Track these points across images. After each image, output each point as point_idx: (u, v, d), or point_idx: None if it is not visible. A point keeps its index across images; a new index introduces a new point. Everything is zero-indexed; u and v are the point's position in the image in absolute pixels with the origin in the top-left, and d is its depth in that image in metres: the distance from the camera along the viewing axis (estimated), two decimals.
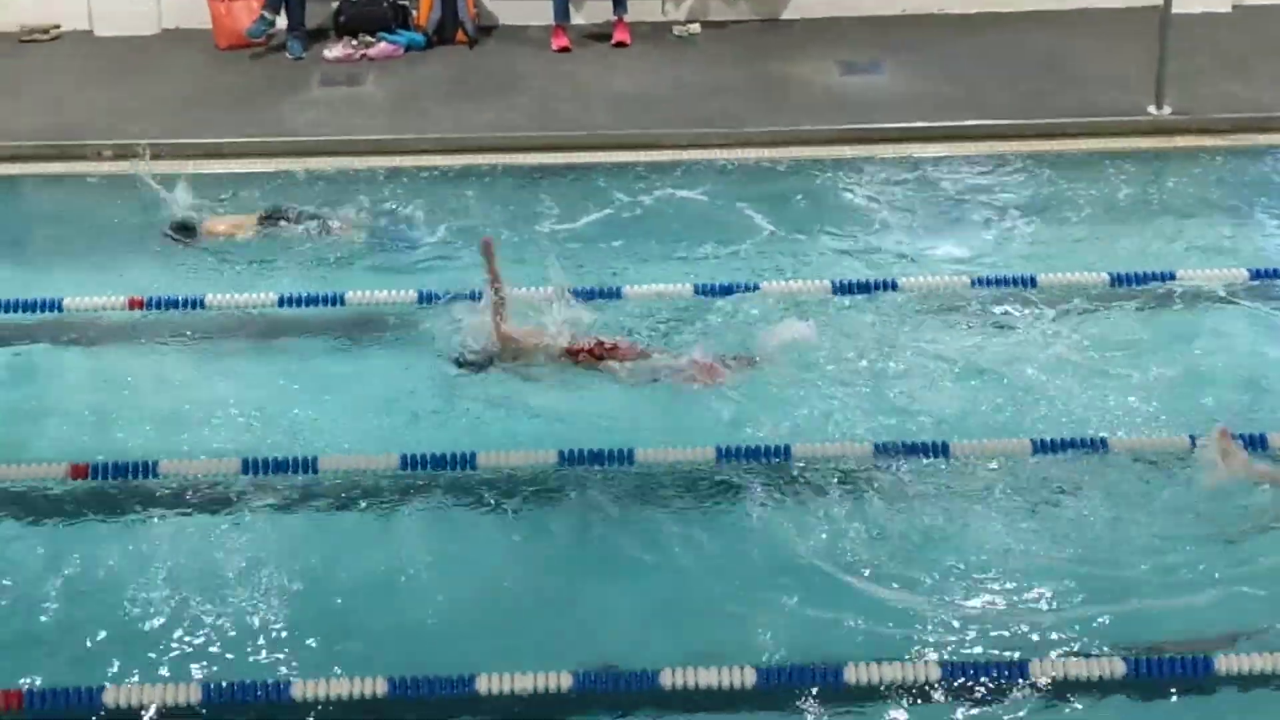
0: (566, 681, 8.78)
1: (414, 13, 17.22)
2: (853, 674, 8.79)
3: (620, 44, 17.10)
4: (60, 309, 12.25)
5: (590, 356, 11.34)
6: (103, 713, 8.70)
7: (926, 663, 8.89)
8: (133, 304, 12.29)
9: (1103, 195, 14.13)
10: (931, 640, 9.09)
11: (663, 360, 11.38)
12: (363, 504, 10.24)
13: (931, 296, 12.40)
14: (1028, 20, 17.58)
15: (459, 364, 11.42)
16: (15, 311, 12.27)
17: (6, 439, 10.87)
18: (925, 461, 10.51)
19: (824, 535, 9.91)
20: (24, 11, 17.40)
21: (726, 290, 12.41)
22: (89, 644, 9.19)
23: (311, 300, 12.30)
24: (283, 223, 13.29)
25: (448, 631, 9.31)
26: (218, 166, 14.80)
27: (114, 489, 10.36)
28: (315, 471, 10.44)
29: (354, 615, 9.40)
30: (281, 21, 17.02)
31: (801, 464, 10.49)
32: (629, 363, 11.34)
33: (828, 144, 15.10)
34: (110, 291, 12.43)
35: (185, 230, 13.28)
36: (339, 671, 8.85)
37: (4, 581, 9.64)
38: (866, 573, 9.57)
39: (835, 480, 10.36)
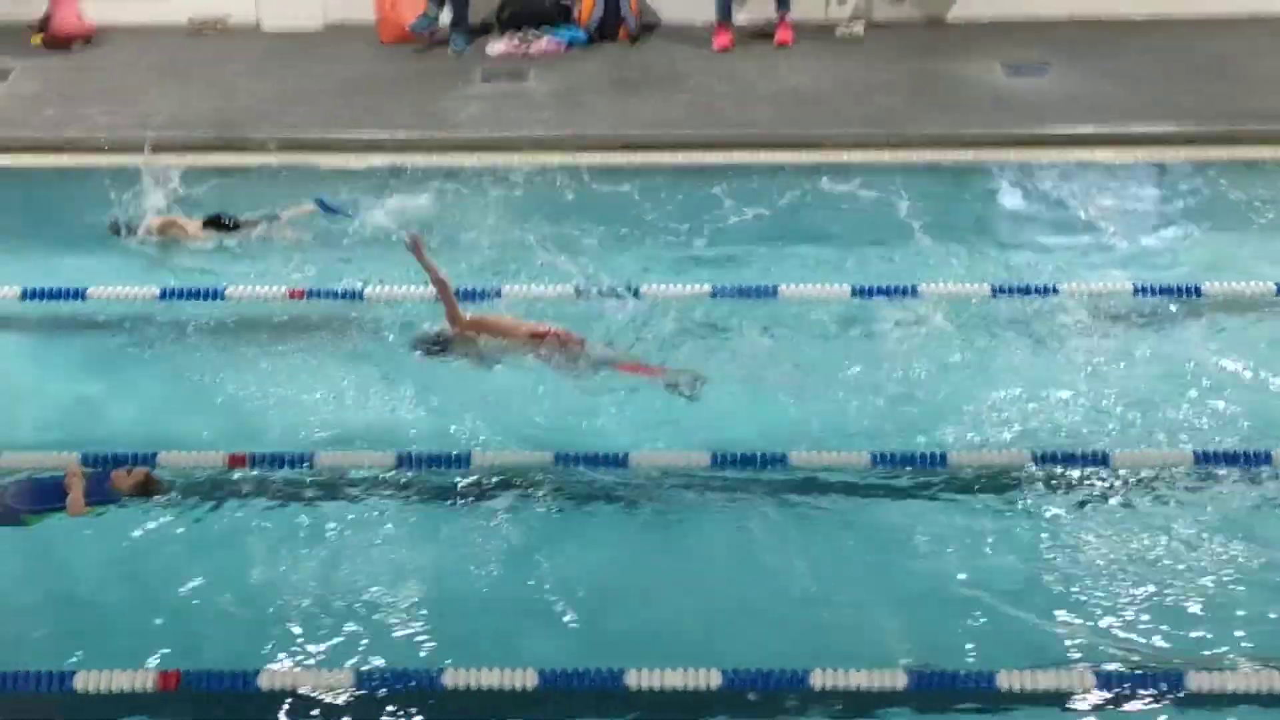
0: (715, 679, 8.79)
1: (577, 9, 17.25)
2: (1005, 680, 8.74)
3: (783, 43, 17.02)
4: (222, 297, 12.39)
5: (556, 340, 11.27)
6: (256, 694, 8.83)
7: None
8: (292, 294, 12.38)
9: (1275, 201, 13.85)
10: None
11: (611, 354, 11.36)
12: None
13: (1092, 302, 12.22)
14: (1197, 25, 17.28)
15: (421, 351, 11.47)
16: (177, 299, 12.47)
17: (168, 428, 11.00)
18: (1084, 471, 10.38)
19: (973, 542, 9.86)
20: (194, 5, 17.62)
21: (884, 292, 12.31)
22: (241, 629, 9.34)
23: None
24: (232, 229, 13.38)
25: (597, 626, 9.37)
26: (378, 160, 14.90)
27: (271, 480, 10.50)
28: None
29: (504, 607, 9.47)
30: (445, 16, 17.10)
31: (960, 470, 10.40)
32: (586, 353, 11.30)
33: (991, 147, 14.93)
34: (272, 282, 12.60)
35: (119, 228, 13.39)
36: (488, 661, 8.91)
37: (159, 567, 9.81)
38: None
39: (991, 489, 10.27)
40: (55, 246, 13.36)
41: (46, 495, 9.85)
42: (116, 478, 9.88)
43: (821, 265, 12.94)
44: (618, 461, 10.49)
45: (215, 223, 13.35)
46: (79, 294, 12.39)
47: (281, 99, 15.91)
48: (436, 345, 11.35)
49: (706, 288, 12.37)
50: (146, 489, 9.92)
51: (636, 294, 12.24)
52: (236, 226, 13.31)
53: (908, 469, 10.47)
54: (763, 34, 17.23)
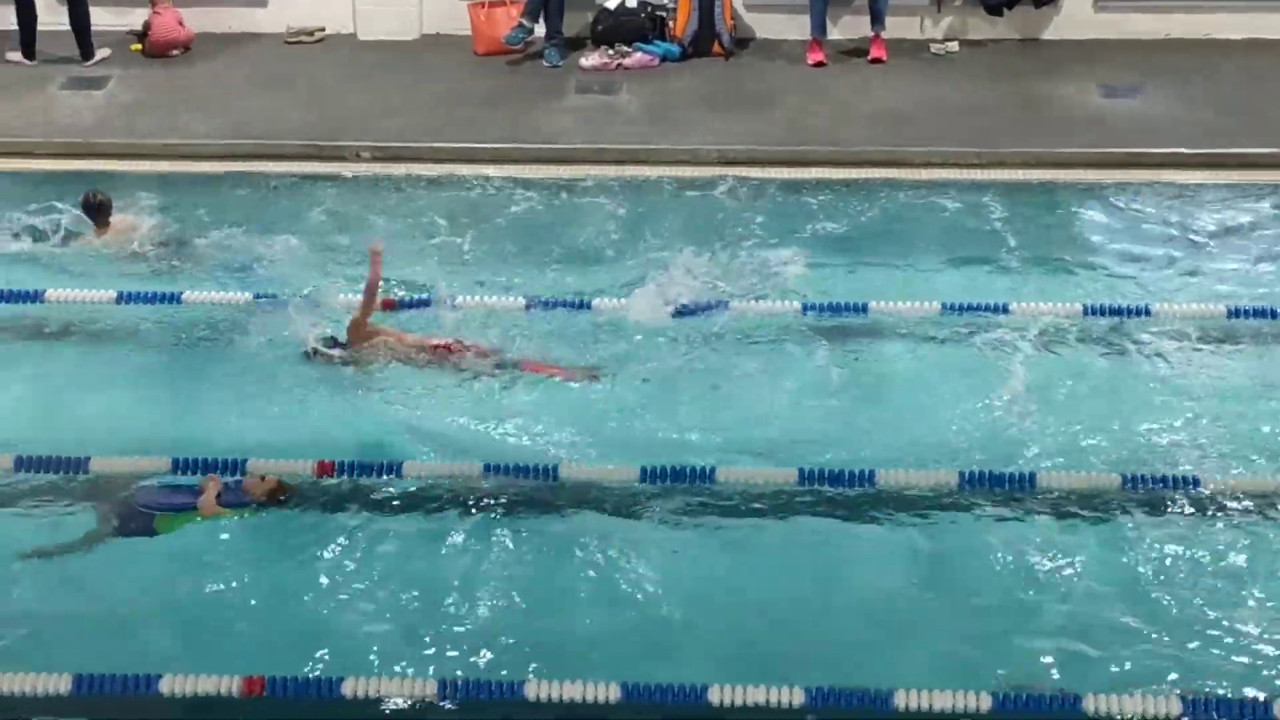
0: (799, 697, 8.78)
1: (671, 23, 17.26)
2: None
3: (877, 60, 16.97)
4: (317, 305, 12.43)
5: (447, 352, 11.64)
6: (341, 702, 8.86)
7: None
8: (386, 305, 12.41)
9: None
10: None
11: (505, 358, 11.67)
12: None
13: (1184, 324, 12.12)
14: None
15: (312, 351, 11.69)
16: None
17: (264, 438, 11.07)
18: (1176, 494, 10.30)
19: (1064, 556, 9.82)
20: (291, 14, 17.74)
21: (974, 309, 12.25)
22: (330, 636, 9.36)
23: None
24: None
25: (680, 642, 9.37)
26: (468, 170, 14.95)
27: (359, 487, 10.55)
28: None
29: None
30: (539, 29, 17.15)
31: (1051, 493, 10.34)
32: (481, 359, 11.63)
33: (1085, 167, 14.85)
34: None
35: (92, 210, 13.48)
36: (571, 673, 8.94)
37: (250, 577, 9.83)
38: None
39: (1082, 510, 10.21)
40: (152, 251, 13.47)
41: (180, 497, 10.05)
42: (250, 484, 10.11)
43: (912, 282, 12.89)
44: (704, 476, 10.47)
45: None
46: (174, 298, 12.54)
47: (375, 109, 15.99)
48: (332, 346, 11.65)
49: (796, 304, 12.36)
50: (278, 496, 10.07)
51: (726, 306, 12.28)
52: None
53: (996, 489, 10.39)
54: (857, 51, 17.18)
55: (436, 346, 11.70)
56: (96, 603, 9.61)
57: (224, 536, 10.06)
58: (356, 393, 11.48)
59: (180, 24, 17.22)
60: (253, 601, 9.61)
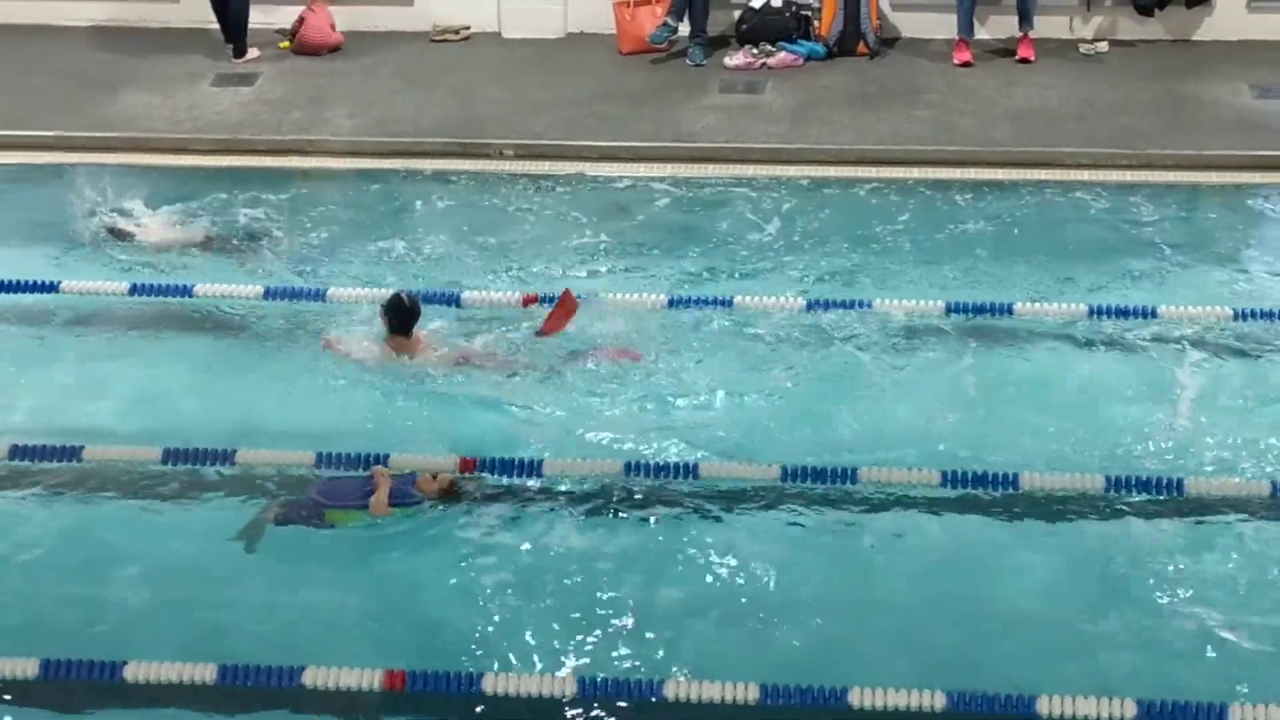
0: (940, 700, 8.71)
1: (816, 23, 17.18)
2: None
3: (1024, 60, 16.79)
4: (459, 304, 12.50)
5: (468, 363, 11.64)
6: (479, 696, 8.88)
7: None
8: (527, 300, 12.45)
9: None
10: None
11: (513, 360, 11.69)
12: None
13: None
14: None
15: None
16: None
17: (393, 434, 11.12)
18: None
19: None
20: (437, 13, 17.85)
21: (1122, 313, 12.10)
22: (467, 630, 9.39)
23: None
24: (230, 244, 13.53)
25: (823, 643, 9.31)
26: (611, 169, 14.97)
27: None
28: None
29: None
30: (684, 28, 17.14)
31: (1202, 497, 10.22)
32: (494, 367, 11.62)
33: (1236, 169, 14.61)
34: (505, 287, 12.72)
35: (118, 234, 13.54)
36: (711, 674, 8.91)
37: (380, 575, 9.90)
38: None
39: (1228, 516, 10.07)
40: (299, 243, 13.65)
41: (352, 493, 10.09)
42: (422, 481, 10.14)
43: (1058, 284, 12.75)
44: (847, 476, 10.42)
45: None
46: (319, 294, 12.61)
47: (520, 107, 16.04)
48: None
49: (940, 304, 12.27)
50: (451, 493, 10.11)
51: (869, 305, 12.24)
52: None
53: (1142, 494, 10.27)
54: (1004, 51, 17.02)
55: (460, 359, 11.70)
56: (242, 592, 9.72)
57: (366, 533, 10.13)
58: (484, 391, 11.51)
59: (332, 27, 17.35)
60: (393, 595, 9.66)
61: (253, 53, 17.12)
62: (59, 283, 12.70)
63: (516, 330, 12.02)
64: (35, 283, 12.65)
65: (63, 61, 17.12)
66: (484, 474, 10.50)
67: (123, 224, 13.62)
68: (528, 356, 11.69)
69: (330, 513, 10.04)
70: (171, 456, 10.67)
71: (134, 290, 12.64)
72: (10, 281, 12.65)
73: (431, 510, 10.11)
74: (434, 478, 10.17)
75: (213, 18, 17.25)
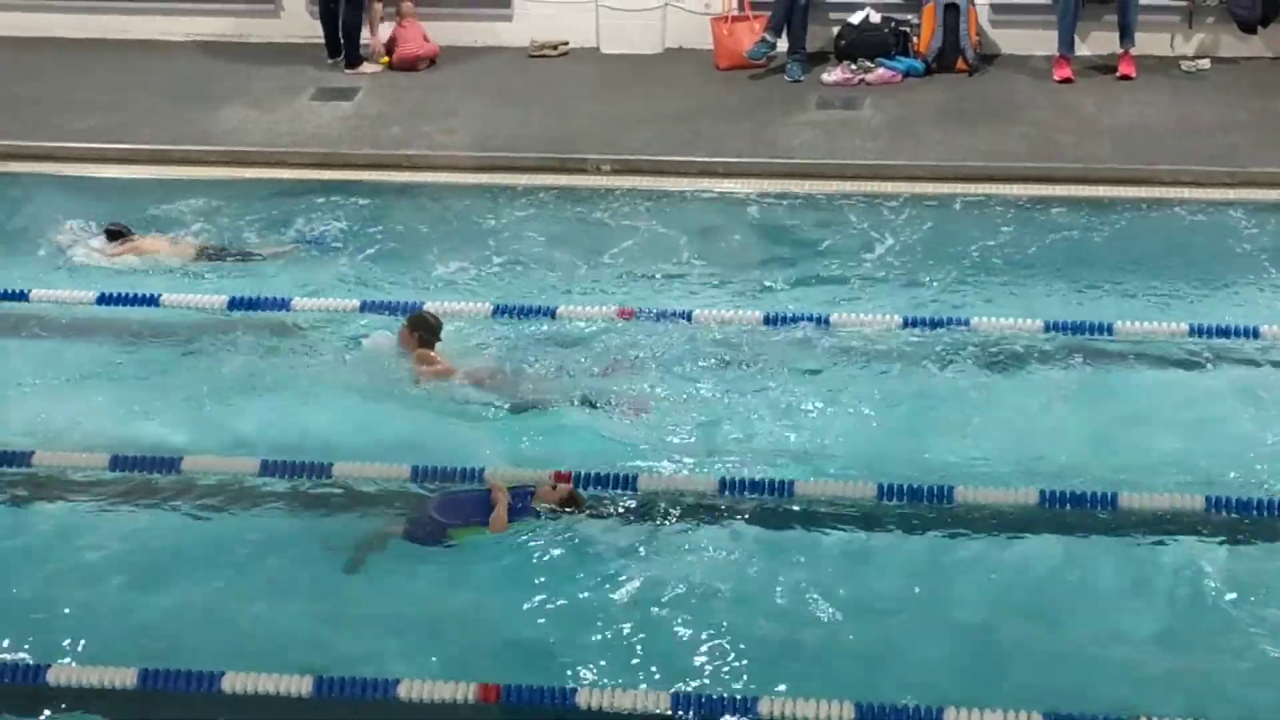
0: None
1: (915, 39, 17.12)
2: None
3: (1125, 77, 16.67)
4: (554, 316, 12.54)
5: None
6: (573, 712, 8.90)
7: None
8: (623, 314, 12.47)
9: None
10: None
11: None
12: None
13: None
14: None
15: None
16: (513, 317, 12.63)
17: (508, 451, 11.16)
18: None
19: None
20: (536, 28, 17.91)
21: (1224, 332, 11.98)
22: (562, 644, 9.40)
23: None
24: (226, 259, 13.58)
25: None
26: (708, 184, 14.96)
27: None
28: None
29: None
30: (782, 44, 17.12)
31: None
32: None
33: None
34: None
35: (114, 235, 13.65)
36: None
37: (476, 586, 9.92)
38: None
39: None
40: (396, 257, 13.72)
41: (472, 509, 10.12)
42: (542, 493, 10.14)
43: (1158, 303, 12.65)
44: (942, 495, 10.37)
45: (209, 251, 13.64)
46: (414, 306, 12.62)
47: (617, 121, 16.08)
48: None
49: (1039, 322, 12.18)
50: (571, 503, 10.13)
51: (966, 323, 12.21)
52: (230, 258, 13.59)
53: (1244, 515, 10.17)
54: (1105, 67, 16.91)
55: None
56: (338, 605, 9.79)
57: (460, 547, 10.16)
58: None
59: (425, 39, 17.46)
60: (489, 608, 9.68)
61: (366, 66, 17.23)
62: (158, 295, 12.84)
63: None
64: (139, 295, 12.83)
65: (166, 76, 17.29)
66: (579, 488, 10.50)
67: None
68: (534, 383, 11.70)
69: (452, 530, 10.04)
70: (269, 469, 10.78)
71: (232, 305, 12.72)
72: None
73: (540, 521, 10.13)
74: (554, 488, 10.17)
75: (313, 33, 17.39)
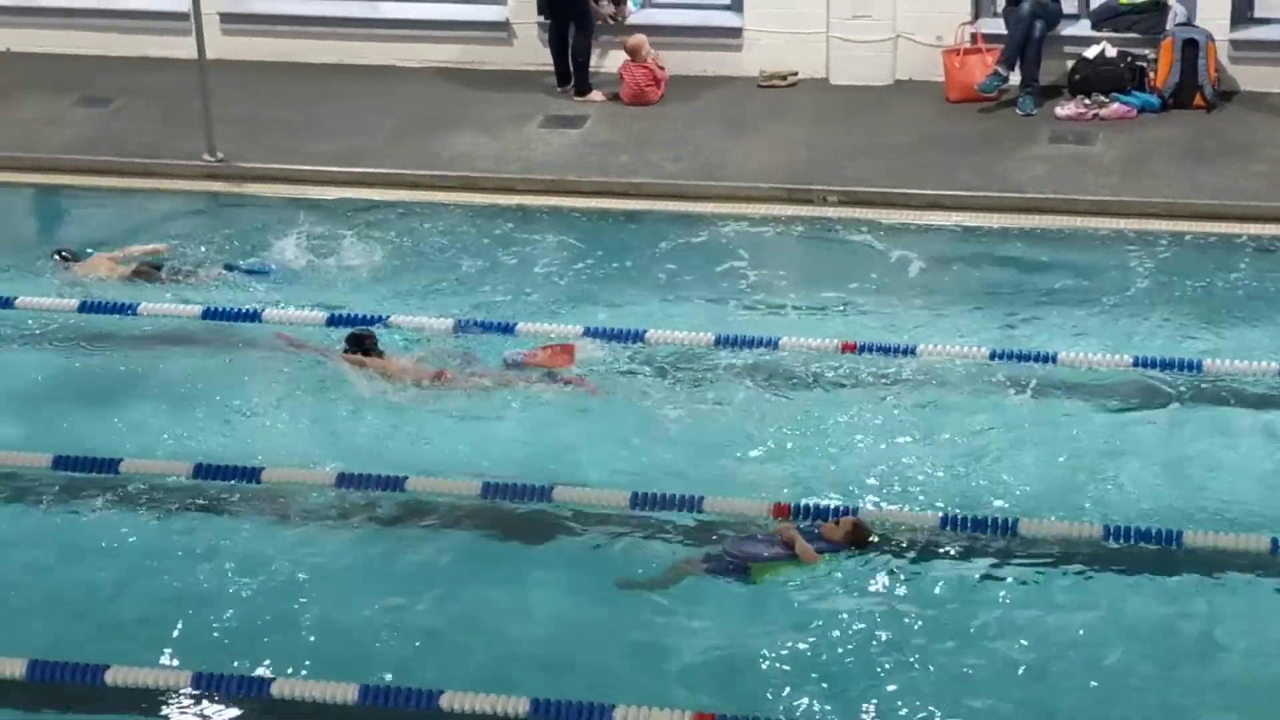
0: None
1: (1151, 74, 16.84)
2: None
3: None
4: (777, 347, 12.50)
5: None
6: None
7: None
8: (845, 348, 12.41)
9: None
10: None
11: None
12: None
13: None
14: None
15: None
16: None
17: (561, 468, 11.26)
18: None
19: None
20: (765, 59, 17.90)
21: None
22: (772, 674, 9.41)
23: None
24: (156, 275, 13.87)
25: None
26: (936, 218, 14.85)
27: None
28: None
29: None
30: (1014, 78, 16.94)
31: None
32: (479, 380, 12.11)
33: None
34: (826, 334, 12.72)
35: (67, 256, 14.07)
36: None
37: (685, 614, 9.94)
38: None
39: None
40: (619, 284, 13.86)
41: (766, 547, 10.18)
42: (828, 530, 10.23)
43: None
44: (1008, 528, 10.33)
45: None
46: (639, 335, 12.71)
47: (844, 153, 16.02)
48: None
49: (1275, 365, 11.95)
50: (858, 537, 10.19)
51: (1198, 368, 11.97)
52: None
53: None
54: None
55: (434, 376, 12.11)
56: (556, 629, 9.89)
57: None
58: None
59: (658, 82, 17.37)
60: (706, 637, 9.70)
61: (595, 94, 17.35)
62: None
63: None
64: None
65: (401, 101, 17.55)
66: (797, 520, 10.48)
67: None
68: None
69: (756, 568, 10.06)
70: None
71: (331, 321, 13.00)
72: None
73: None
74: (837, 524, 10.21)
75: (543, 60, 17.55)
